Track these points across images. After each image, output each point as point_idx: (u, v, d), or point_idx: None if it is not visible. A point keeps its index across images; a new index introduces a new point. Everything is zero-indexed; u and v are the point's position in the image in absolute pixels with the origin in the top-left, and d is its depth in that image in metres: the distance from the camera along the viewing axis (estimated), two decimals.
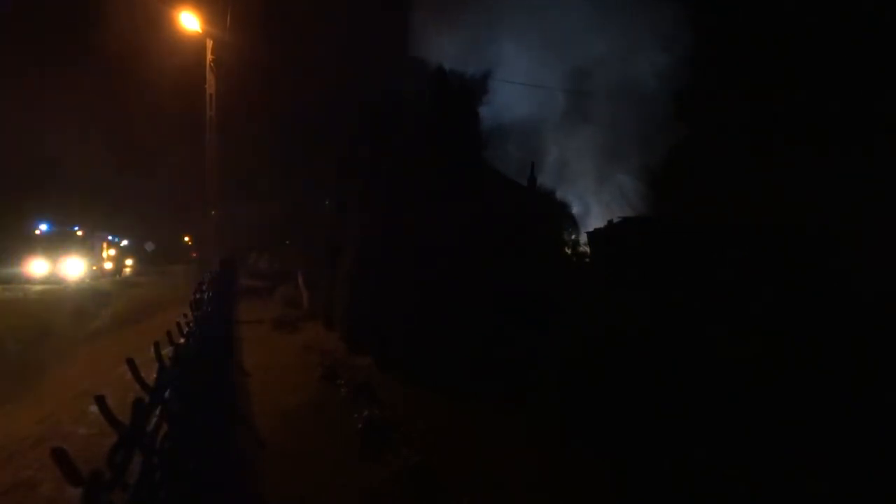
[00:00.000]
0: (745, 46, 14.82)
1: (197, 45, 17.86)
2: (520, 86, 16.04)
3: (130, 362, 2.25)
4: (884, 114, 12.46)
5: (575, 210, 15.98)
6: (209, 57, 17.66)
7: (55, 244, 22.59)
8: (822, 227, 9.47)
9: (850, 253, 8.57)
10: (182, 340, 3.66)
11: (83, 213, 26.32)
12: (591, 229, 12.55)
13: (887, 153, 11.87)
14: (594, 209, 16.76)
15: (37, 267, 21.37)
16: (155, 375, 2.49)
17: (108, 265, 26.64)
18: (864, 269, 8.13)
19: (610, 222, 11.13)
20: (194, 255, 25.53)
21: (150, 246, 35.01)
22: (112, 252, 27.83)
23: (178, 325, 4.15)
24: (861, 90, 13.19)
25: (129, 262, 29.07)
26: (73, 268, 22.19)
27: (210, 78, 17.77)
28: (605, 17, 16.67)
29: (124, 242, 32.78)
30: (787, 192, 12.36)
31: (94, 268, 24.13)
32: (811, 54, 13.86)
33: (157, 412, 2.24)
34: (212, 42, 17.67)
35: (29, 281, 20.43)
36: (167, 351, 3.03)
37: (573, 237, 13.05)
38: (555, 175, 17.11)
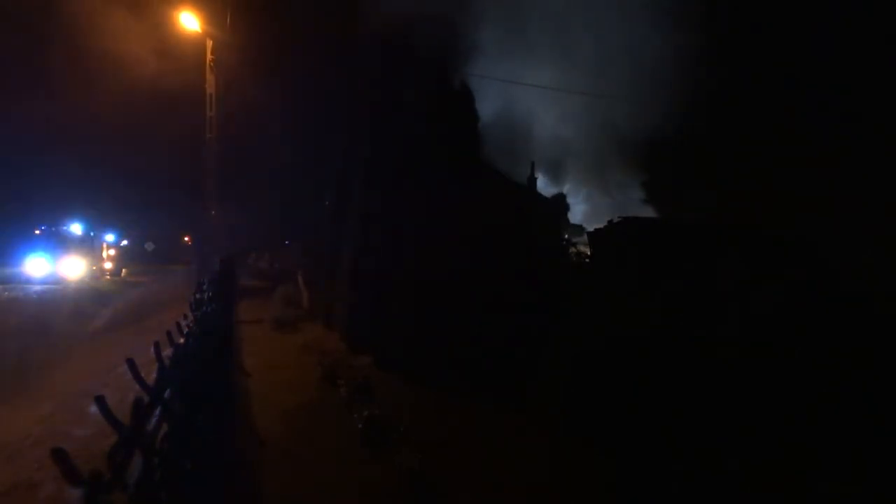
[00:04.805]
0: (748, 44, 14.82)
1: (198, 44, 17.86)
2: (520, 85, 16.03)
3: (130, 362, 2.25)
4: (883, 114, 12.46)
5: (575, 209, 15.98)
6: (209, 57, 17.66)
7: (55, 244, 22.58)
8: (823, 227, 9.47)
9: (850, 253, 8.57)
10: (182, 340, 3.66)
11: (83, 213, 26.31)
12: (591, 229, 12.55)
13: (885, 153, 11.87)
14: (595, 209, 16.75)
15: (37, 267, 21.35)
16: (155, 375, 2.49)
17: (108, 265, 26.62)
18: (863, 270, 8.13)
19: (610, 222, 11.12)
20: (187, 261, 25.49)
21: (150, 246, 34.97)
22: (112, 252, 27.81)
23: (178, 325, 4.15)
24: (861, 91, 13.20)
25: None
26: (73, 268, 22.18)
27: (210, 78, 17.77)
28: (609, 13, 16.65)
29: (124, 242, 32.76)
30: (787, 191, 12.36)
31: (94, 268, 24.11)
32: (812, 54, 13.87)
33: (157, 412, 2.24)
34: (212, 42, 17.66)
35: (29, 281, 20.42)
36: (167, 351, 3.03)
37: (569, 236, 13.04)
38: (555, 174, 17.11)
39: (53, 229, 23.84)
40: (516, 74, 15.87)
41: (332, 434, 6.32)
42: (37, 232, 23.57)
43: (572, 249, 12.15)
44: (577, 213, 16.32)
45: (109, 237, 28.21)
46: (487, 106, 14.26)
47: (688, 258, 8.17)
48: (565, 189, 16.56)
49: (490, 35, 15.90)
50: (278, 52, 20.13)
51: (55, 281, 20.75)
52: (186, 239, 38.96)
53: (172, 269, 28.40)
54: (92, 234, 25.27)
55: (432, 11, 11.77)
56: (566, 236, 12.82)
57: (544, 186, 14.53)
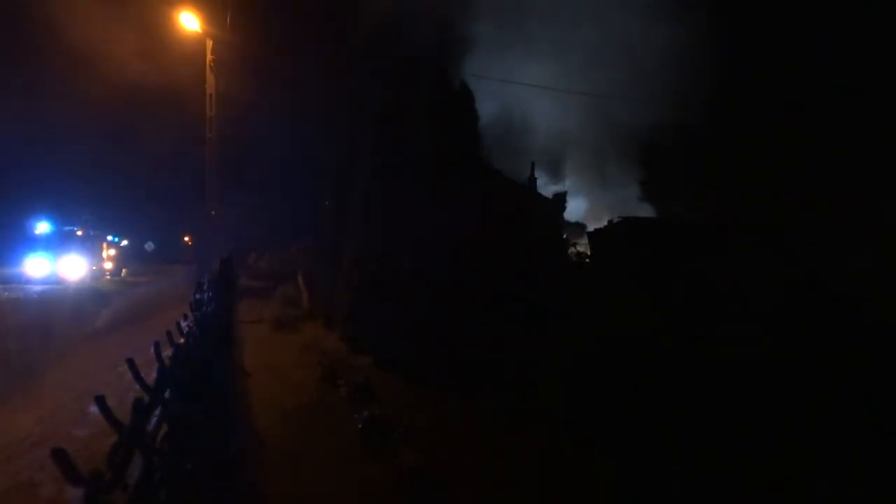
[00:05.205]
0: (749, 44, 14.80)
1: (197, 44, 17.87)
2: (520, 85, 16.02)
3: (130, 362, 2.25)
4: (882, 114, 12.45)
5: (575, 207, 15.95)
6: (209, 57, 17.66)
7: (55, 244, 22.57)
8: (823, 227, 9.47)
9: (850, 253, 8.57)
10: (182, 340, 3.66)
11: (82, 213, 26.31)
12: (591, 229, 12.57)
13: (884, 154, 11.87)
14: (594, 206, 16.76)
15: (37, 267, 21.34)
16: (155, 375, 2.49)
17: (108, 265, 26.60)
18: (863, 270, 8.12)
19: (610, 222, 11.13)
20: (187, 261, 25.46)
21: (150, 246, 34.96)
22: (112, 252, 27.78)
23: (178, 325, 4.15)
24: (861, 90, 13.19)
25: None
26: (73, 268, 22.16)
27: (210, 78, 17.77)
28: (609, 14, 16.65)
29: (124, 242, 32.76)
30: (787, 191, 12.36)
31: (94, 268, 24.09)
32: (812, 53, 13.86)
33: (157, 412, 2.23)
34: (212, 42, 17.67)
35: (29, 281, 20.40)
36: (167, 351, 3.02)
37: (569, 236, 13.04)
38: (554, 171, 17.12)
39: (53, 229, 23.82)
40: (516, 71, 15.88)
41: (332, 434, 6.32)
42: (37, 232, 23.57)
43: (572, 249, 12.15)
44: (578, 210, 16.31)
45: (109, 237, 28.19)
46: (487, 104, 14.28)
47: (688, 258, 8.17)
48: (565, 186, 16.55)
49: (489, 32, 15.91)
50: (279, 52, 20.13)
51: (55, 281, 20.72)
52: (186, 239, 38.98)
53: (172, 269, 28.35)
54: (92, 234, 25.27)
55: (432, 10, 11.78)
56: (566, 236, 12.82)
57: (544, 185, 14.53)
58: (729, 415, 5.45)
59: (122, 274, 28.14)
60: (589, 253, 11.68)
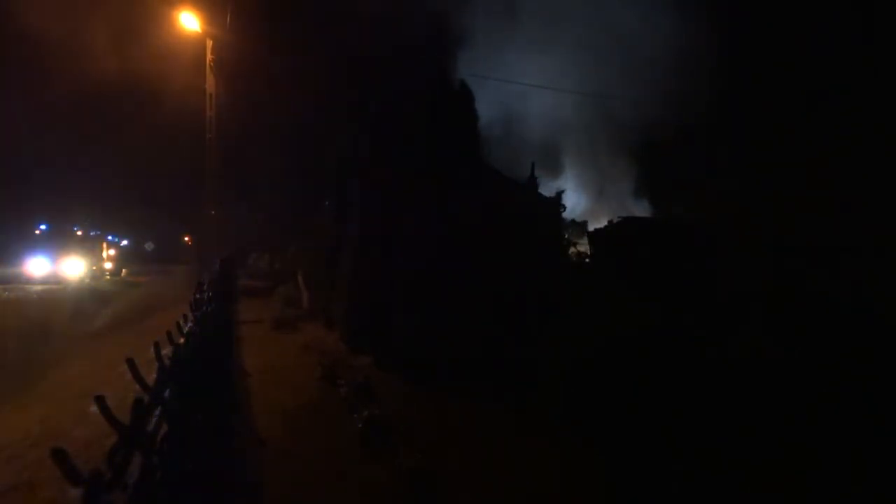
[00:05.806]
0: (749, 46, 14.80)
1: (197, 45, 17.88)
2: (520, 85, 16.02)
3: (130, 362, 2.25)
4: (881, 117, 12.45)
5: (575, 207, 15.98)
6: (209, 57, 17.67)
7: (55, 244, 22.61)
8: (823, 227, 9.48)
9: (850, 254, 8.57)
10: (182, 341, 3.66)
11: (83, 214, 26.37)
12: (591, 229, 12.58)
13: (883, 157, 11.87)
14: (595, 209, 16.76)
15: (37, 267, 21.38)
16: (155, 375, 2.49)
17: (108, 265, 26.63)
18: (863, 271, 8.13)
19: (610, 222, 11.14)
20: (187, 261, 25.49)
21: (150, 246, 35.01)
22: (112, 252, 27.82)
23: (178, 325, 4.15)
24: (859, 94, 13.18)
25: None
26: (73, 268, 22.19)
27: (210, 78, 17.77)
28: (609, 13, 16.67)
29: (124, 242, 32.79)
30: (787, 191, 12.36)
31: (94, 268, 24.12)
32: (811, 55, 13.85)
33: (157, 412, 2.23)
34: (212, 42, 17.67)
35: (29, 281, 20.44)
36: (167, 351, 3.02)
37: (569, 236, 13.04)
38: (555, 172, 17.12)
39: (53, 229, 23.87)
40: (516, 71, 15.88)
41: (332, 434, 6.32)
42: (37, 232, 23.61)
43: (572, 249, 12.16)
44: (577, 207, 16.33)
45: (109, 237, 28.22)
46: (487, 104, 14.28)
47: (688, 258, 8.17)
48: (565, 184, 16.56)
49: (489, 32, 15.91)
50: (278, 52, 20.13)
51: (55, 281, 20.77)
52: (186, 239, 39.00)
53: (172, 269, 28.36)
54: (92, 234, 25.31)
55: (431, 10, 11.79)
56: (566, 236, 12.82)
57: (544, 182, 14.53)
58: (729, 415, 5.45)
59: (122, 274, 28.18)
60: (589, 253, 11.68)
